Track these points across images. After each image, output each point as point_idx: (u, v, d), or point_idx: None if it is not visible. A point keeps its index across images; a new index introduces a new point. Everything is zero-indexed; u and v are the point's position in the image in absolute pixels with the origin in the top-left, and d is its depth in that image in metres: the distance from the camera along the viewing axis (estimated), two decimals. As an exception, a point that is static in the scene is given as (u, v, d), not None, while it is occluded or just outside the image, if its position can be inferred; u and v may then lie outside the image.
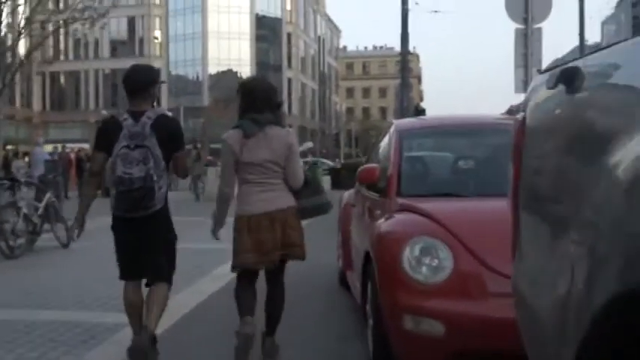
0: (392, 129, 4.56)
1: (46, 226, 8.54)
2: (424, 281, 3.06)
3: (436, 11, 50.86)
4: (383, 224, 3.56)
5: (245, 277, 3.73)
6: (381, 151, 4.86)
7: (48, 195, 8.54)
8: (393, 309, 3.12)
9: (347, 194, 6.13)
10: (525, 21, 8.40)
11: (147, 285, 3.77)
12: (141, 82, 3.73)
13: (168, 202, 3.74)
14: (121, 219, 3.65)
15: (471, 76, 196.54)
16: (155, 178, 3.49)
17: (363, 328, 3.99)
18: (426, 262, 3.10)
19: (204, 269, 6.73)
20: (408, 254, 3.11)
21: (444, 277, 3.04)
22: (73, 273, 6.89)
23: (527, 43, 8.29)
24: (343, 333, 4.45)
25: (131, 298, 3.73)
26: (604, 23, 72.45)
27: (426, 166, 4.33)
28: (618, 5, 61.81)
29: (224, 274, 5.68)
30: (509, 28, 8.62)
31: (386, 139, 4.72)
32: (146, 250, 3.66)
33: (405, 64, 23.42)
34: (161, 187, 3.55)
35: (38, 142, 13.53)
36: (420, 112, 23.75)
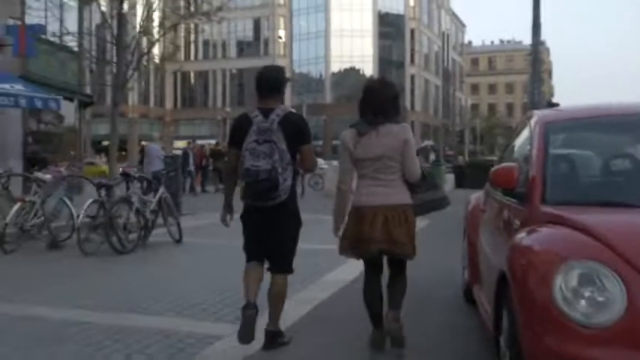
0: (533, 121, 3.73)
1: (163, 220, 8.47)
2: (585, 322, 2.29)
3: None
4: (525, 239, 2.80)
5: (366, 269, 3.92)
6: (518, 148, 4.05)
7: (161, 190, 8.40)
8: (539, 356, 2.37)
9: (474, 197, 5.35)
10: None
11: (268, 269, 3.99)
12: (272, 82, 3.94)
13: (296, 194, 4.00)
14: (250, 208, 3.88)
15: (606, 74, 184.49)
16: (280, 170, 3.69)
17: (494, 361, 3.25)
18: (588, 295, 2.32)
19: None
20: (562, 284, 2.35)
21: (613, 317, 2.26)
22: (178, 272, 6.63)
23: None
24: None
25: (252, 272, 3.96)
26: None
27: (578, 167, 3.41)
28: None
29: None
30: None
31: (525, 134, 3.91)
32: (272, 239, 3.90)
33: (537, 54, 21.79)
34: (286, 180, 3.75)
35: (153, 137, 13.64)
36: (554, 106, 22.09)
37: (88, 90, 19.43)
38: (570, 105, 4.06)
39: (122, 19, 10.32)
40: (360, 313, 4.00)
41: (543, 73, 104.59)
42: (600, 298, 2.30)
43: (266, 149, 3.70)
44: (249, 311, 3.77)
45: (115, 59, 10.38)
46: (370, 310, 3.87)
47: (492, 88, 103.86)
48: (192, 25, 64.70)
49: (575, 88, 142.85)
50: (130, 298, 5.30)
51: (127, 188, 8.08)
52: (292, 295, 4.78)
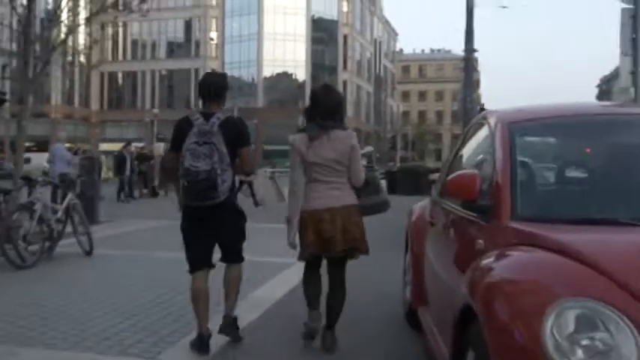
0: (492, 121, 3.19)
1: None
2: (585, 378, 1.74)
3: (504, 7, 48.27)
4: (496, 266, 2.23)
5: (310, 266, 4.14)
6: (473, 152, 3.51)
7: (69, 196, 7.50)
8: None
9: (419, 206, 4.81)
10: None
11: (221, 260, 4.16)
12: (215, 88, 4.08)
13: (235, 195, 4.11)
14: (190, 208, 3.97)
15: (529, 87, 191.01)
16: (219, 172, 3.80)
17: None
18: (587, 344, 1.78)
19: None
20: (554, 328, 1.79)
21: (622, 373, 1.72)
22: (81, 291, 5.72)
23: (637, 26, 6.78)
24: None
25: (198, 286, 4.02)
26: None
27: (551, 176, 2.92)
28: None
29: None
30: (583, 27, 7.07)
31: (481, 135, 3.38)
32: (219, 235, 4.02)
33: (470, 61, 21.81)
34: (225, 181, 3.85)
35: (59, 137, 12.56)
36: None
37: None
38: (526, 105, 3.52)
39: (31, 5, 9.36)
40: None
41: (475, 80, 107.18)
42: (603, 347, 1.76)
43: (206, 150, 3.80)
44: (202, 345, 3.90)
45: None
46: (310, 292, 4.15)
47: (422, 96, 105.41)
48: (120, 23, 62.79)
49: (500, 98, 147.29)
50: (14, 326, 4.45)
51: (29, 194, 7.15)
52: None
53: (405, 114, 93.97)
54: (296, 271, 6.52)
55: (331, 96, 4.08)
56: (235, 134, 3.93)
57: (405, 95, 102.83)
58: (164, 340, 4.16)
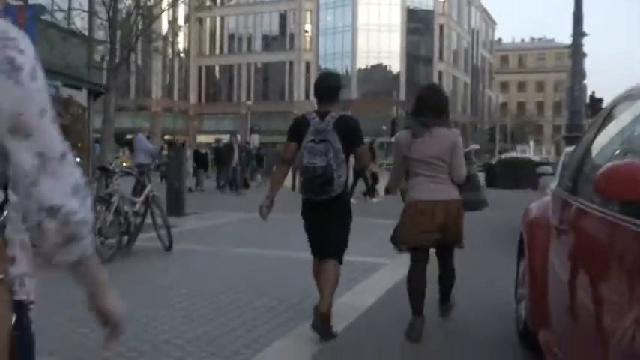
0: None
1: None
2: None
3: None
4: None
5: (415, 259, 4.15)
6: (626, 137, 2.68)
7: (148, 188, 7.12)
8: None
9: (538, 206, 3.99)
10: None
11: (320, 257, 4.21)
12: (330, 88, 4.24)
13: (348, 190, 4.32)
14: (308, 202, 4.19)
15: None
16: (335, 167, 3.98)
17: None
18: None
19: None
20: None
21: None
22: (149, 294, 5.25)
23: None
24: None
25: (316, 267, 4.25)
26: None
27: None
28: None
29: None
30: None
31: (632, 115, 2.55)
32: (326, 231, 4.14)
33: (578, 47, 20.19)
34: (340, 176, 4.02)
35: (142, 128, 12.30)
36: (597, 101, 20.44)
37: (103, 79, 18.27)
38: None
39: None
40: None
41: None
42: None
43: (322, 148, 3.98)
44: (322, 330, 3.94)
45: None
46: (414, 295, 4.10)
47: (522, 86, 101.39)
48: (217, 17, 63.87)
49: (608, 87, 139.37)
50: (55, 337, 3.96)
51: (106, 185, 6.82)
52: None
53: (503, 105, 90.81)
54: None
55: (437, 96, 4.24)
56: (349, 132, 4.09)
57: (504, 86, 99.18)
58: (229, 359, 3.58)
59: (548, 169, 9.06)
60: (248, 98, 61.99)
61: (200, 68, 70.35)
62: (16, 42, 1.12)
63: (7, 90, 1.09)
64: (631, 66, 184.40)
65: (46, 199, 1.13)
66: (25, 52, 1.13)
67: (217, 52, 70.97)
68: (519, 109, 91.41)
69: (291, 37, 67.45)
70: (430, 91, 4.30)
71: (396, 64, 63.61)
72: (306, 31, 63.97)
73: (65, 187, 1.15)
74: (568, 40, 20.25)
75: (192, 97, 70.07)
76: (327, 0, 65.96)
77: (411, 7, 65.01)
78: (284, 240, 7.79)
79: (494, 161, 30.72)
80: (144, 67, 66.74)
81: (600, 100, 20.58)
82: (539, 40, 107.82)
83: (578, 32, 19.77)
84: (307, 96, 65.09)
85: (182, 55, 67.70)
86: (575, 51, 20.08)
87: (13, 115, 1.10)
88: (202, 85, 70.96)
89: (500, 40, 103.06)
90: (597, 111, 21.50)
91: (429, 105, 4.10)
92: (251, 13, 68.17)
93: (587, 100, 20.60)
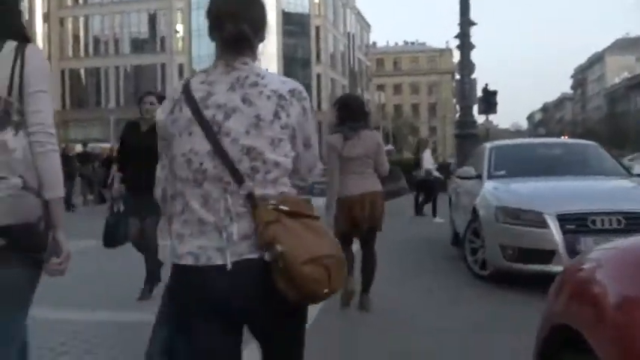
0: None
1: None
2: None
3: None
4: None
5: (343, 241, 4.37)
6: None
7: None
8: None
9: (599, 259, 2.00)
10: None
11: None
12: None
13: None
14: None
15: (509, 74, 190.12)
16: None
17: None
18: None
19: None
20: None
21: None
22: None
23: None
24: None
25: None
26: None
27: None
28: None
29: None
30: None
31: None
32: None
33: (466, 37, 19.06)
34: None
35: None
36: (491, 94, 19.45)
37: None
38: None
39: None
40: None
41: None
42: None
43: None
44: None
45: None
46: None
47: (398, 89, 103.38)
48: (80, 19, 59.28)
49: (499, 80, 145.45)
50: None
51: None
52: None
53: (381, 108, 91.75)
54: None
55: (359, 102, 5.64)
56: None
57: (380, 88, 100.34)
58: None
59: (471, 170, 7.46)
60: (117, 104, 57.94)
61: (63, 72, 65.15)
62: (304, 94, 2.02)
63: (306, 124, 2.01)
64: (520, 55, 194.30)
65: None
66: (307, 98, 2.03)
67: (82, 54, 66.17)
68: (396, 111, 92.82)
69: (162, 38, 64.07)
70: (354, 99, 5.53)
71: (273, 67, 61.80)
72: (177, 31, 60.72)
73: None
74: (439, 44, 19.16)
75: (56, 103, 64.69)
76: None
77: (286, 10, 63.83)
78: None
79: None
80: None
81: (494, 93, 19.42)
82: (413, 43, 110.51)
83: (465, 20, 18.64)
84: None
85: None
86: (463, 41, 18.94)
87: (305, 138, 2.02)
88: (66, 90, 65.79)
89: (375, 43, 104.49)
90: (492, 105, 20.55)
91: (355, 111, 5.01)
92: (117, 12, 64.07)
93: (481, 94, 19.35)
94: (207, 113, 1.89)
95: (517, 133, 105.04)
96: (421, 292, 6.07)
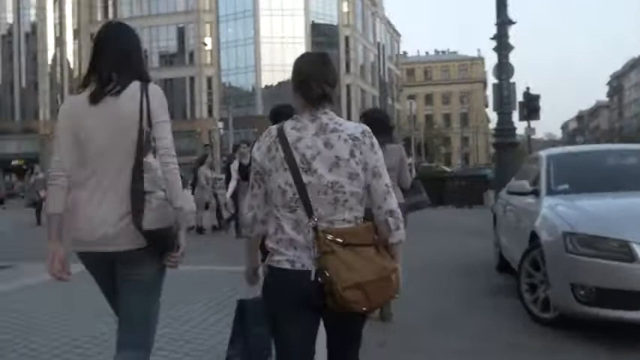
0: None
1: None
2: None
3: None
4: None
5: None
6: None
7: None
8: None
9: None
10: None
11: None
12: (383, 124, 5.22)
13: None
14: None
15: (547, 81, 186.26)
16: None
17: None
18: None
19: None
20: None
21: None
22: None
23: None
24: None
25: None
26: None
27: None
28: None
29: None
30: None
31: None
32: None
33: (504, 37, 17.60)
34: None
35: None
36: (534, 99, 17.93)
37: None
38: None
39: None
40: None
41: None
42: None
43: None
44: None
45: None
46: None
47: (429, 99, 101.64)
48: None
49: (542, 83, 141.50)
50: None
51: None
52: None
53: (412, 118, 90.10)
54: None
55: (384, 116, 5.71)
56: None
57: (411, 99, 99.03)
58: None
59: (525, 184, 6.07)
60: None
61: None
62: (371, 132, 2.46)
63: (375, 156, 2.40)
64: (565, 57, 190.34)
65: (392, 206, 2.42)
66: (373, 137, 2.46)
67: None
68: (427, 121, 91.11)
69: (191, 51, 63.67)
70: (379, 113, 5.98)
71: (302, 77, 61.02)
72: (205, 44, 60.10)
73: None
74: (471, 52, 17.76)
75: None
76: (227, 11, 62.81)
77: (315, 21, 62.98)
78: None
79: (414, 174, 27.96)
80: (29, 87, 61.18)
81: (537, 98, 17.79)
82: (443, 52, 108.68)
83: (503, 20, 17.21)
84: (210, 113, 61.38)
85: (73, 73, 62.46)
86: (500, 42, 17.48)
87: (374, 169, 2.39)
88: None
89: (405, 53, 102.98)
90: (535, 111, 18.98)
91: (381, 125, 4.77)
92: (147, 26, 63.78)
93: (522, 99, 17.77)
94: (298, 154, 2.36)
95: (551, 143, 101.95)
96: (469, 339, 4.73)
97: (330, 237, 2.23)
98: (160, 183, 2.62)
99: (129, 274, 2.63)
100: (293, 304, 2.31)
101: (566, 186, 5.80)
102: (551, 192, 5.73)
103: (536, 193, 5.88)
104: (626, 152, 6.53)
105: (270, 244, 2.38)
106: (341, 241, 2.23)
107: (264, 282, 2.47)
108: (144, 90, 2.62)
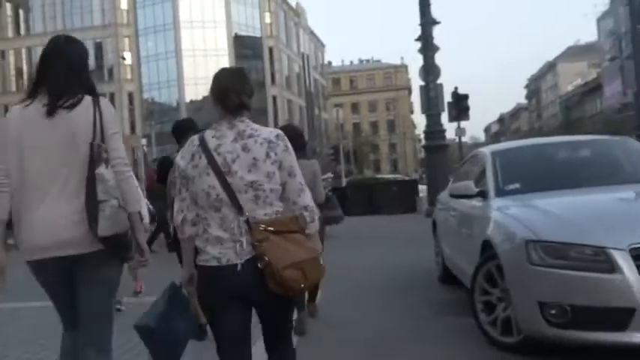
0: None
1: None
2: None
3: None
4: None
5: None
6: None
7: None
8: None
9: None
10: None
11: None
12: (297, 143, 5.09)
13: None
14: None
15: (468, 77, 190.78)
16: None
17: None
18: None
19: None
20: None
21: None
22: None
23: None
24: None
25: None
26: (599, 20, 67.23)
27: None
28: (613, 0, 56.41)
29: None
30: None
31: None
32: None
33: (429, 38, 17.18)
34: None
35: None
36: (462, 98, 17.49)
37: None
38: None
39: None
40: None
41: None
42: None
43: None
44: None
45: None
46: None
47: (355, 107, 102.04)
48: (22, 50, 56.58)
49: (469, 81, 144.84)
50: None
51: None
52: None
53: (340, 127, 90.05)
54: None
55: (298, 132, 5.55)
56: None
57: (338, 106, 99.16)
58: None
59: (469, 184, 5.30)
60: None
61: (7, 108, 61.78)
62: (284, 136, 2.74)
63: (289, 157, 2.68)
64: (486, 60, 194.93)
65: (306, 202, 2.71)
66: (287, 139, 2.75)
67: (27, 88, 62.94)
68: (355, 129, 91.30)
69: (110, 66, 61.37)
70: (292, 129, 5.42)
71: (227, 90, 59.84)
72: (124, 58, 57.95)
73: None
74: (394, 60, 17.29)
75: None
76: (147, 25, 60.98)
77: (238, 33, 62.02)
78: None
79: (343, 184, 27.15)
80: None
81: (466, 97, 17.38)
82: (367, 61, 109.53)
83: (427, 20, 16.76)
84: (133, 130, 59.22)
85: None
86: (425, 43, 17.03)
87: (289, 168, 2.67)
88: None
89: (330, 62, 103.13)
90: (465, 111, 18.55)
91: (292, 142, 4.11)
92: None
93: (450, 99, 17.31)
94: (220, 158, 2.63)
95: (476, 146, 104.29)
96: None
97: (262, 226, 2.53)
98: (112, 192, 2.77)
99: (89, 275, 2.80)
100: (225, 297, 2.60)
101: (517, 185, 5.07)
102: (500, 193, 4.98)
103: (483, 195, 5.14)
104: (578, 144, 5.85)
105: (198, 243, 2.66)
106: (272, 229, 2.53)
107: (197, 280, 2.73)
108: (96, 104, 2.84)
